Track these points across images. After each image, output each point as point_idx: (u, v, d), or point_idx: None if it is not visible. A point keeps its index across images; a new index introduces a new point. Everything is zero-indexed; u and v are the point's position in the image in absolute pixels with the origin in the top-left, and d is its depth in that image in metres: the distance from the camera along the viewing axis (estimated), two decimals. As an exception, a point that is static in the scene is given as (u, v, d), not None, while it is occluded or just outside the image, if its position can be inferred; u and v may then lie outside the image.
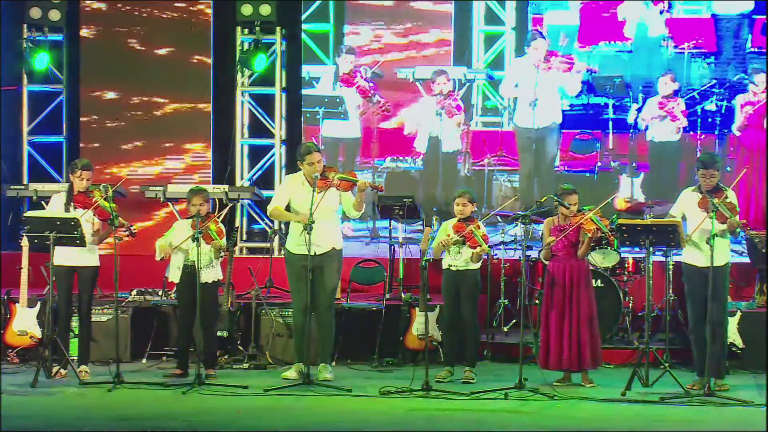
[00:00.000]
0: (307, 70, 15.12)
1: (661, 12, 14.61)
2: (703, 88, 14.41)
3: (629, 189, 14.47)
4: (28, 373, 11.04)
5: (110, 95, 15.00)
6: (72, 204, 11.10)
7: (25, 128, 15.30)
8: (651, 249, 11.07)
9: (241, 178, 15.18)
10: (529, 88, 14.58)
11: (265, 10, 14.61)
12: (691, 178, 14.35)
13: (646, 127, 14.53)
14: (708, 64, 14.52)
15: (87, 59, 15.01)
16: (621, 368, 11.72)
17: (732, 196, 10.53)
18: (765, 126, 14.12)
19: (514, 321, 12.94)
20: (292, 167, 14.12)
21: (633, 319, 12.70)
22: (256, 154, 15.35)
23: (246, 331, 12.25)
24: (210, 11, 14.98)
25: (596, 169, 14.72)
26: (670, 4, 14.58)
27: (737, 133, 14.37)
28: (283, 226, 14.01)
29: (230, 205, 13.77)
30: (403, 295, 12.62)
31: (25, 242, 11.50)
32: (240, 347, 12.17)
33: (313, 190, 10.85)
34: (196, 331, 11.12)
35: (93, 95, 14.99)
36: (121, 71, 14.98)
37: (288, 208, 11.19)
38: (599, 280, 12.28)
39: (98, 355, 11.85)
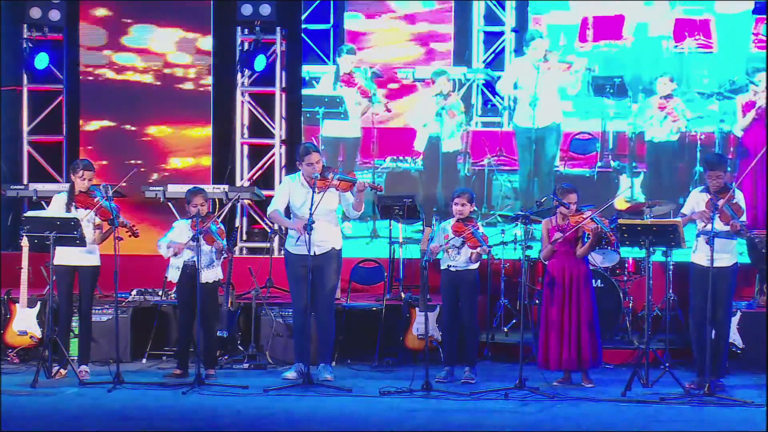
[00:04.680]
0: (307, 70, 15.11)
1: (661, 12, 14.61)
2: (707, 92, 14.44)
3: (629, 189, 14.46)
4: (28, 373, 11.04)
5: (110, 94, 15.00)
6: (73, 204, 11.11)
7: (25, 128, 15.31)
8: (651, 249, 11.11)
9: (241, 178, 15.18)
10: (528, 88, 14.57)
11: (265, 10, 14.62)
12: (690, 178, 14.36)
13: (646, 127, 14.53)
14: (708, 63, 14.53)
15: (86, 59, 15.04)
16: (621, 368, 11.73)
17: (739, 197, 10.54)
18: (765, 126, 14.12)
19: (514, 321, 12.94)
20: (292, 167, 14.12)
21: (633, 319, 12.70)
22: (256, 154, 15.35)
23: (246, 331, 12.26)
24: (210, 11, 14.99)
25: (596, 169, 14.72)
26: (670, 3, 14.59)
27: (739, 134, 14.37)
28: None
29: (230, 203, 13.75)
30: (403, 295, 12.62)
31: (25, 242, 11.50)
32: (240, 347, 12.17)
33: (313, 191, 10.86)
34: (196, 331, 11.12)
35: (93, 95, 15.00)
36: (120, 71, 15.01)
37: (288, 209, 11.20)
38: (599, 280, 12.29)
39: (98, 355, 11.84)
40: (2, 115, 14.87)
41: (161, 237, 11.37)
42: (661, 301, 12.59)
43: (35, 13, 14.75)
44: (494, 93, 14.99)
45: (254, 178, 15.22)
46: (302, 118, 15.06)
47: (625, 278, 12.78)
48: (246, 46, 15.07)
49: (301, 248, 10.91)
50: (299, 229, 10.80)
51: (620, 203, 13.86)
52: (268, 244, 13.78)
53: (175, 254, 11.17)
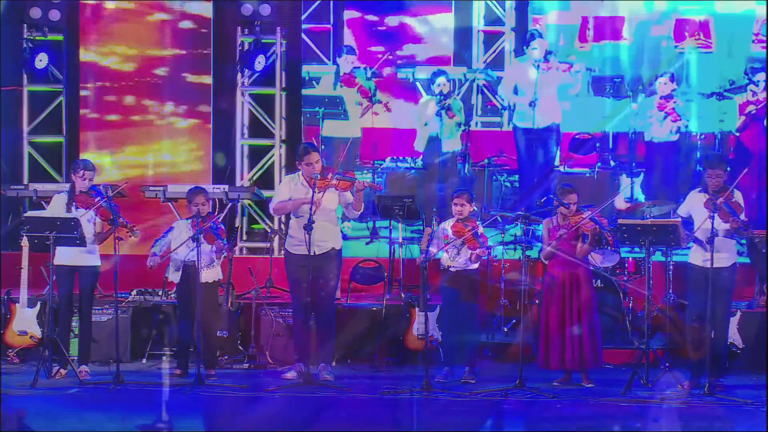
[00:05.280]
0: (307, 70, 15.11)
1: (662, 11, 14.62)
2: (707, 92, 14.45)
3: (629, 189, 14.46)
4: (28, 373, 11.04)
5: (110, 95, 14.99)
6: (74, 204, 11.11)
7: (25, 128, 15.30)
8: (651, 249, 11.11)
9: (241, 178, 15.18)
10: (528, 89, 14.56)
11: (265, 10, 14.62)
12: (690, 178, 14.36)
13: (646, 127, 14.52)
14: (708, 63, 14.53)
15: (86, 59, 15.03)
16: (621, 368, 11.72)
17: (738, 196, 10.55)
18: (765, 126, 14.12)
19: (514, 321, 12.93)
20: (292, 167, 14.09)
21: (633, 319, 12.69)
22: (256, 154, 15.34)
23: (246, 331, 12.25)
24: (210, 11, 14.97)
25: (596, 169, 14.71)
26: (670, 3, 14.60)
27: (737, 134, 14.39)
28: (283, 225, 14.02)
29: (230, 204, 13.79)
30: (403, 295, 12.62)
31: (25, 242, 11.51)
32: (240, 347, 12.17)
33: (313, 191, 10.86)
34: (196, 331, 11.12)
35: (93, 94, 14.99)
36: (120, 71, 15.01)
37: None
38: (599, 280, 12.28)
39: (98, 355, 11.84)
40: (2, 115, 14.87)
41: (159, 238, 11.38)
42: (661, 301, 12.59)
43: (35, 13, 14.74)
44: (494, 93, 14.99)
45: (254, 178, 15.22)
46: (302, 118, 15.06)
47: (625, 278, 12.77)
48: (246, 46, 15.07)
49: (301, 248, 10.91)
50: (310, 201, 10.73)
51: (620, 203, 13.86)
52: (268, 244, 13.77)
53: (151, 267, 11.19)
